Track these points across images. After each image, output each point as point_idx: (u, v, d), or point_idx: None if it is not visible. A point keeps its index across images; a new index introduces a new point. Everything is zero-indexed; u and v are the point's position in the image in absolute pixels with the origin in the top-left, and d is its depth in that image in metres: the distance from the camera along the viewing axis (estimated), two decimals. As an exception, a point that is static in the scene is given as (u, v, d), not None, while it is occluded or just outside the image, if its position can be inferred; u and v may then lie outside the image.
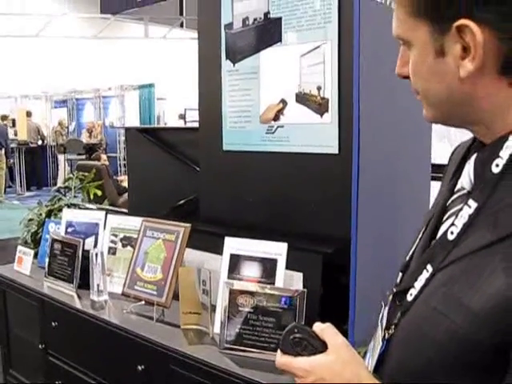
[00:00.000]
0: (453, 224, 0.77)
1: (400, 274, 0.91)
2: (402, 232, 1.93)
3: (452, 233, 0.77)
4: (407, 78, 0.83)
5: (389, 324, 0.85)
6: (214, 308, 1.95)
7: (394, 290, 0.89)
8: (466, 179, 0.80)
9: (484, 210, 0.73)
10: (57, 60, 15.62)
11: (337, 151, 1.99)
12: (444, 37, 0.74)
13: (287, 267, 1.91)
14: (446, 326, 0.70)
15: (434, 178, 2.18)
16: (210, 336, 1.92)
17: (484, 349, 0.67)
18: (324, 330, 0.82)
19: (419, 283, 0.79)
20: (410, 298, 0.80)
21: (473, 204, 0.75)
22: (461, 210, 0.77)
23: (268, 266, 1.89)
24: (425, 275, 0.78)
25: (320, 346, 0.80)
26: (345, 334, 0.86)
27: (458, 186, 0.83)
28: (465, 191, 0.81)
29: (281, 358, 0.82)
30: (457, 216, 0.77)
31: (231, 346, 1.79)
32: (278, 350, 0.83)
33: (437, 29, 0.75)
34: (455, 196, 0.84)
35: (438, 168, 1.95)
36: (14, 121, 13.56)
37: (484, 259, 0.70)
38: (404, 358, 0.79)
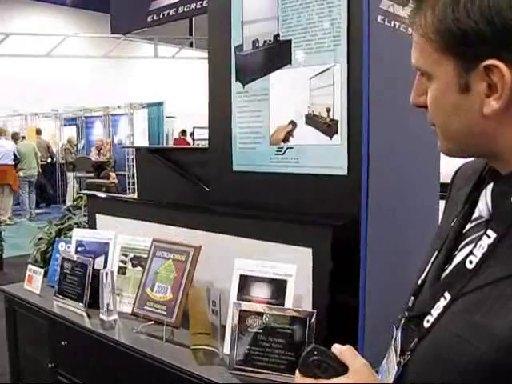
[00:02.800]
0: (471, 253, 0.78)
1: (412, 298, 0.91)
2: (412, 254, 1.93)
3: (471, 262, 0.77)
4: (422, 107, 0.83)
5: (404, 349, 0.85)
6: (223, 328, 1.96)
7: (407, 313, 0.89)
8: (484, 208, 0.81)
9: (505, 240, 0.74)
10: (67, 79, 15.80)
11: (346, 173, 2.01)
12: (470, 74, 0.74)
13: (295, 243, 1.92)
14: (470, 352, 0.71)
15: (442, 198, 2.17)
16: (220, 357, 1.92)
17: (510, 375, 0.67)
18: (344, 352, 0.81)
19: (437, 310, 0.79)
20: (426, 324, 0.80)
21: (492, 234, 0.76)
22: (480, 239, 0.78)
23: (277, 287, 1.90)
24: (443, 302, 0.79)
25: (340, 369, 0.79)
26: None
27: (476, 215, 0.84)
28: (483, 219, 0.81)
29: (300, 380, 0.81)
30: (475, 245, 0.78)
31: (241, 367, 1.79)
32: (297, 372, 0.82)
33: (463, 66, 0.74)
34: (473, 224, 0.84)
35: (446, 187, 1.96)
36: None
37: (508, 288, 0.70)
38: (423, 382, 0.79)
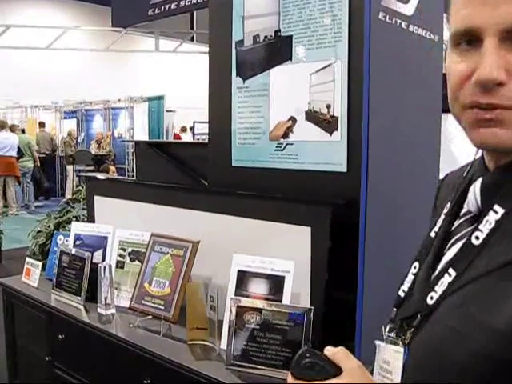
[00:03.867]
0: (477, 229, 0.75)
1: (394, 309, 0.88)
2: (411, 254, 1.92)
3: (477, 238, 0.74)
4: (500, 85, 0.69)
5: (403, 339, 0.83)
6: (220, 323, 1.96)
7: (391, 325, 0.86)
8: (473, 202, 0.79)
9: (507, 220, 0.71)
10: (67, 71, 15.79)
11: (345, 169, 2.00)
12: None
13: (294, 222, 1.92)
14: (468, 345, 0.69)
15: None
16: (217, 352, 1.92)
17: (509, 368, 0.65)
18: (337, 353, 0.80)
19: (441, 287, 0.77)
20: (430, 301, 0.78)
21: (500, 210, 0.73)
22: (486, 215, 0.74)
23: (275, 284, 1.89)
24: (447, 279, 0.76)
25: (333, 370, 0.79)
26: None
27: (465, 210, 0.82)
28: (471, 214, 0.80)
29: (293, 383, 0.80)
30: (481, 221, 0.75)
31: (237, 363, 1.79)
32: (289, 375, 0.81)
33: None
34: (461, 220, 0.82)
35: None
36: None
37: (505, 277, 0.68)
38: (421, 380, 0.77)
